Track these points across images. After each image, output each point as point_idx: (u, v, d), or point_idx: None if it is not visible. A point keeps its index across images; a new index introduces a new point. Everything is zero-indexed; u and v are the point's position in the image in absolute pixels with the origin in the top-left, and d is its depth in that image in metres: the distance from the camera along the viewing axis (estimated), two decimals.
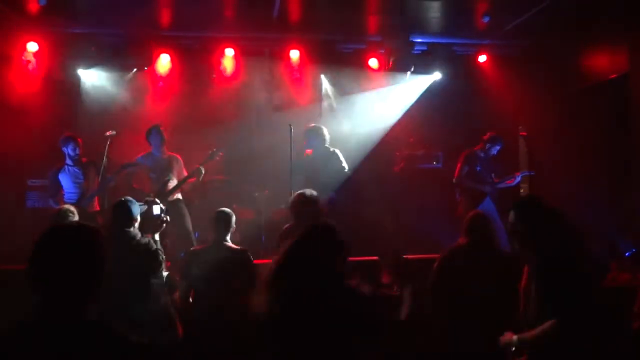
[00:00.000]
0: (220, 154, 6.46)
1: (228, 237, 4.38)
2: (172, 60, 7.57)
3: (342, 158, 6.46)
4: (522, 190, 8.36)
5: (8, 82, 6.96)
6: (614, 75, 6.56)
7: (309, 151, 6.54)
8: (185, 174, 6.37)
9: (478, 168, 6.78)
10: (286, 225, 4.70)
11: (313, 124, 6.62)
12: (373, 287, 4.83)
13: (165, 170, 6.26)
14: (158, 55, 7.50)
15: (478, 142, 6.91)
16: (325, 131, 6.51)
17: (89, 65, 7.40)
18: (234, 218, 4.42)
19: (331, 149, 6.50)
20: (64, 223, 1.73)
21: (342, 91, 8.31)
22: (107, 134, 6.09)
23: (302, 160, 6.46)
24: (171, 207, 6.18)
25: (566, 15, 6.50)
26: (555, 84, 7.37)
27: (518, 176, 6.91)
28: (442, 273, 4.11)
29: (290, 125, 6.55)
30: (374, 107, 8.26)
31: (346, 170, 6.41)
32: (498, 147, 6.85)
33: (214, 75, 7.90)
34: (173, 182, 6.28)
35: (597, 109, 6.75)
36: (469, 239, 4.16)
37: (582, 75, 7.08)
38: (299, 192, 4.62)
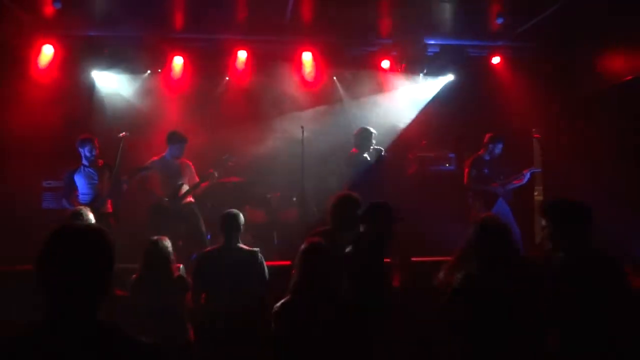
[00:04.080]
0: (233, 159, 6.47)
1: (239, 238, 4.38)
2: (185, 62, 7.61)
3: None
4: (536, 194, 8.27)
5: (24, 84, 7.04)
6: (629, 77, 6.49)
7: (355, 150, 6.47)
8: (196, 179, 6.42)
9: (485, 171, 6.65)
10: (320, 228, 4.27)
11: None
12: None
13: (177, 175, 6.33)
14: (171, 58, 7.55)
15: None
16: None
17: (103, 67, 7.48)
18: (242, 218, 4.40)
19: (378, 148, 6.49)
20: (71, 224, 1.70)
21: (355, 93, 8.31)
22: (121, 135, 6.13)
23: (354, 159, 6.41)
24: (184, 210, 6.26)
25: (580, 17, 6.43)
26: (570, 86, 7.30)
27: (527, 173, 6.65)
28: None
29: (302, 127, 6.57)
30: (386, 109, 8.25)
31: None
32: (500, 146, 6.67)
33: (227, 78, 7.95)
34: (185, 187, 6.34)
35: (612, 111, 6.68)
36: None
37: (597, 76, 7.00)
38: (341, 194, 4.35)
